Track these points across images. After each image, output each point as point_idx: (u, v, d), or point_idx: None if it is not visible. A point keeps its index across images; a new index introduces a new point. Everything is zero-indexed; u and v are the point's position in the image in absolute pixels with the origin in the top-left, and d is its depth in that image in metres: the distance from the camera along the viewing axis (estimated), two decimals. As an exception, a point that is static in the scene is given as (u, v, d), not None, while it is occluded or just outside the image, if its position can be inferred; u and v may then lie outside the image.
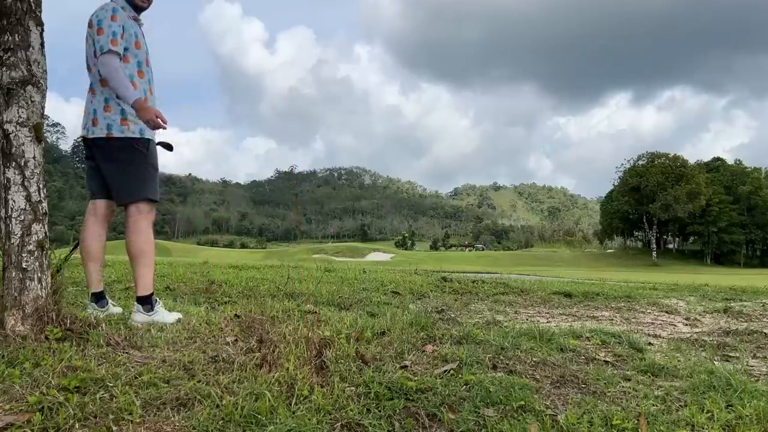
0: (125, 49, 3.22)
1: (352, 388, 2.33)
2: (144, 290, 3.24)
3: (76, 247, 3.45)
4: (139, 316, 3.19)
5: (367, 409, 2.17)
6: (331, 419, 2.02)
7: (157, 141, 3.41)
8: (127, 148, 3.22)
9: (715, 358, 3.34)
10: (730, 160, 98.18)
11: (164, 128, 3.20)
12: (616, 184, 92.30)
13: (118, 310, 3.47)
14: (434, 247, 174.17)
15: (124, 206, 3.31)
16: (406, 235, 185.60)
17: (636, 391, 2.55)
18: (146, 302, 3.23)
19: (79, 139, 3.38)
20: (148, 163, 3.29)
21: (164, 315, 3.26)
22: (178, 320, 3.24)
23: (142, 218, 3.27)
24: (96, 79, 3.25)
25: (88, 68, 3.28)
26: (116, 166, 3.22)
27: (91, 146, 3.28)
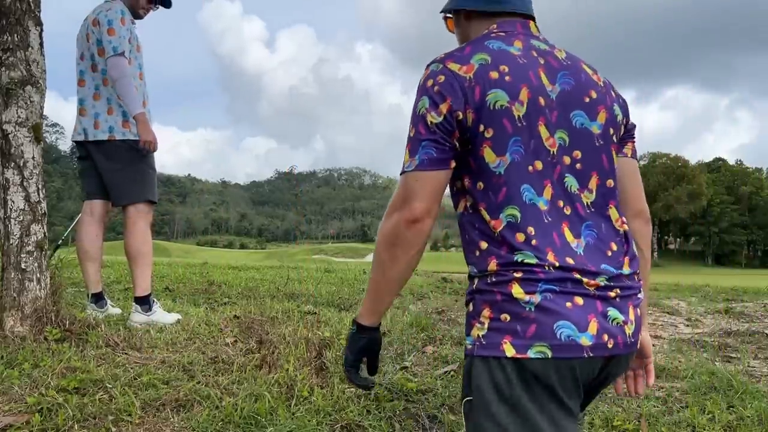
0: (129, 52, 3.24)
1: (352, 389, 2.32)
2: (142, 291, 3.24)
3: (58, 246, 3.46)
4: (138, 317, 3.19)
5: (367, 411, 2.16)
6: (331, 420, 2.01)
7: None
8: (127, 150, 3.23)
9: (717, 359, 3.33)
10: (733, 160, 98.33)
11: (154, 151, 3.27)
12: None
13: (117, 310, 3.47)
14: (435, 247, 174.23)
15: (122, 207, 3.31)
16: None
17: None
18: (144, 302, 3.22)
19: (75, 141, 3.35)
20: (147, 165, 3.32)
21: (163, 315, 3.26)
22: (178, 321, 3.24)
23: (140, 219, 3.28)
24: (100, 80, 3.24)
25: (92, 67, 3.24)
26: (116, 167, 3.23)
27: (88, 147, 3.26)
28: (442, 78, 1.02)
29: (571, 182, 1.05)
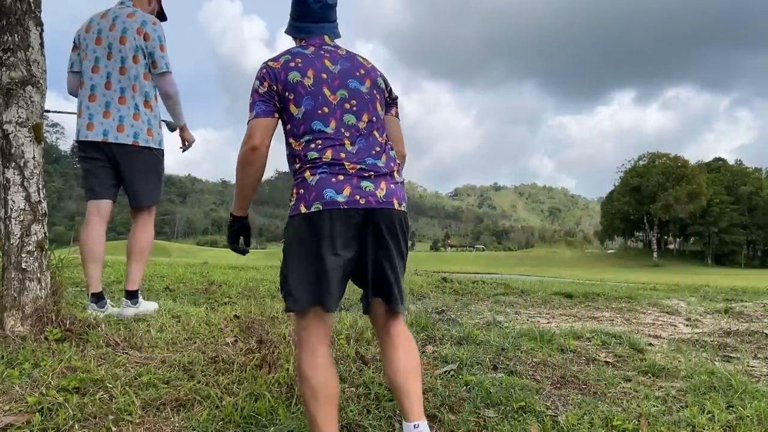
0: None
1: (352, 388, 2.32)
2: (135, 285, 3.42)
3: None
4: (128, 311, 3.35)
5: (367, 410, 2.16)
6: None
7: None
8: (150, 157, 3.42)
9: (716, 359, 3.33)
10: (734, 160, 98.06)
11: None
12: (616, 184, 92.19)
13: (117, 310, 3.48)
14: (434, 247, 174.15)
15: (134, 207, 3.48)
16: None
17: (637, 392, 2.54)
18: (134, 296, 3.41)
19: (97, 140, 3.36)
20: (162, 170, 3.55)
21: (146, 305, 3.48)
22: (155, 310, 3.48)
23: (150, 219, 3.51)
24: (128, 84, 3.31)
25: (121, 70, 3.31)
26: (139, 172, 3.39)
27: (109, 148, 3.32)
28: (264, 70, 1.79)
29: (349, 118, 1.78)
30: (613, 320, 4.79)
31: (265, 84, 1.76)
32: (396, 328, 1.80)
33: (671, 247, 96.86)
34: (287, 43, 2.00)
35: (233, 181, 1.86)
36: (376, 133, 1.82)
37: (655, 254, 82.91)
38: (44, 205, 2.75)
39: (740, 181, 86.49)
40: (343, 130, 1.75)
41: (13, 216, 2.63)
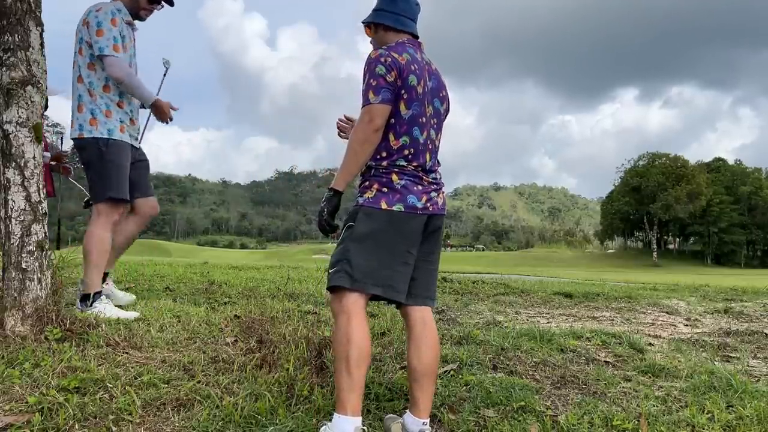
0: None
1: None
2: (85, 290, 3.21)
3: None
4: (80, 306, 3.20)
5: (368, 410, 2.17)
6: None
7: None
8: (92, 149, 3.21)
9: (716, 359, 3.33)
10: (734, 159, 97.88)
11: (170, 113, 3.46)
12: (616, 184, 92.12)
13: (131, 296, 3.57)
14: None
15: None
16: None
17: (636, 391, 2.54)
18: (84, 299, 3.18)
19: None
20: (109, 161, 3.24)
21: (108, 309, 3.15)
22: (129, 301, 3.36)
23: (99, 218, 3.25)
24: (75, 76, 3.26)
25: (73, 64, 3.29)
26: (84, 167, 3.27)
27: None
28: (389, 59, 1.89)
29: (432, 133, 2.02)
30: (613, 320, 4.79)
31: (393, 74, 1.88)
32: (430, 323, 2.03)
33: (671, 247, 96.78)
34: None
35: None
36: (437, 151, 2.08)
37: (654, 254, 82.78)
38: (44, 205, 2.75)
39: (740, 181, 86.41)
40: (428, 143, 1.99)
41: (13, 216, 2.63)
